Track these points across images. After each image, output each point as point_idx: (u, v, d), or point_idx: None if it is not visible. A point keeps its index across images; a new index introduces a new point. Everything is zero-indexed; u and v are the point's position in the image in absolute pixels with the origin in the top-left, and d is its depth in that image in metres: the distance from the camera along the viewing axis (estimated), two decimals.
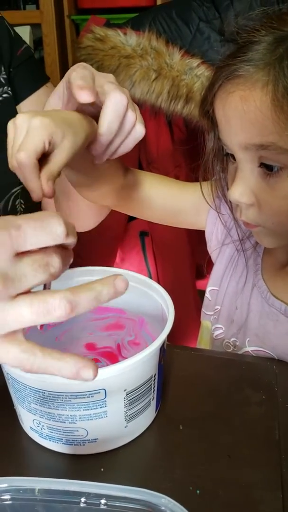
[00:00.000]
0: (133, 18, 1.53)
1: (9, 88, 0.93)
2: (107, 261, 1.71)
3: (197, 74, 1.41)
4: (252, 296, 0.82)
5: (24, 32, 2.34)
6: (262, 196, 0.66)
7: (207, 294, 0.92)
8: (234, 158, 0.68)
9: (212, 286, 0.91)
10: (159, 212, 0.92)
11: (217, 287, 0.89)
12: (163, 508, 0.39)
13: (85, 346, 0.68)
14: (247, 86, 0.61)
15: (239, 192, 0.67)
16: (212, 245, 0.91)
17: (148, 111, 1.49)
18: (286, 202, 0.65)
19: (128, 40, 1.44)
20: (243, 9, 1.41)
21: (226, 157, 0.72)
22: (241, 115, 0.62)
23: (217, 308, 0.89)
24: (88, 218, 0.96)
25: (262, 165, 0.64)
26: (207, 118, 0.70)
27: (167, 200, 0.91)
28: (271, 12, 0.65)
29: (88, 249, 1.63)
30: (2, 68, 0.93)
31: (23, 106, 0.95)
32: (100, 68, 1.45)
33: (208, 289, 0.92)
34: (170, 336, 0.93)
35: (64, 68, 2.70)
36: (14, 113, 0.92)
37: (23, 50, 0.97)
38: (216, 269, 0.91)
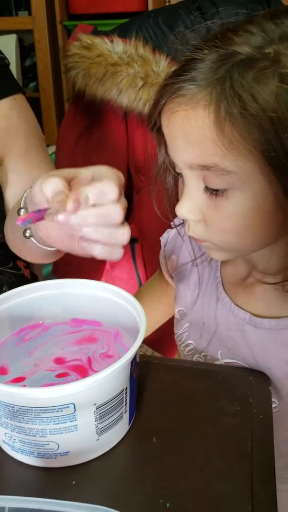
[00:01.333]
0: (120, 25, 1.53)
1: None
2: (97, 268, 1.71)
3: None
4: (217, 309, 0.83)
5: (10, 40, 2.34)
6: (208, 214, 0.66)
7: (176, 315, 0.94)
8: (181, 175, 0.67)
9: (178, 307, 0.92)
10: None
11: (183, 308, 0.91)
12: None
13: (54, 361, 0.68)
14: (190, 106, 0.60)
15: (186, 209, 0.66)
16: (171, 274, 0.97)
17: (135, 119, 1.49)
18: (230, 221, 0.65)
19: (115, 47, 1.44)
20: (228, 16, 1.41)
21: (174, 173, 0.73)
22: (185, 135, 0.62)
23: (186, 326, 0.90)
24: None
25: (206, 187, 0.64)
26: (156, 132, 0.70)
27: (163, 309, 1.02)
28: (217, 29, 0.64)
29: (76, 256, 1.63)
30: None
31: None
32: (86, 75, 1.45)
33: (176, 310, 0.93)
34: (156, 345, 0.93)
35: (56, 74, 2.71)
36: None
37: None
38: (177, 291, 0.93)
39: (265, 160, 0.59)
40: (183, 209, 0.67)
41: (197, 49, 0.61)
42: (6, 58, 1.01)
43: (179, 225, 0.91)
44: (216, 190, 0.63)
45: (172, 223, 0.92)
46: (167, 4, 2.59)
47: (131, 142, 1.55)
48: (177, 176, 0.71)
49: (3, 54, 1.01)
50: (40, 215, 0.59)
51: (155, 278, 1.04)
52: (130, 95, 1.44)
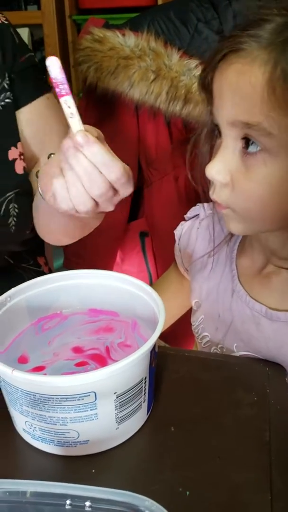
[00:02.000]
0: (131, 19, 1.53)
1: (11, 94, 0.94)
2: (107, 261, 1.71)
3: (196, 75, 1.41)
4: (233, 301, 0.83)
5: (23, 34, 2.35)
6: (237, 177, 0.67)
7: (193, 305, 0.94)
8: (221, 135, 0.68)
9: (195, 299, 0.93)
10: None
11: (198, 299, 0.91)
12: (146, 510, 0.40)
13: (72, 350, 0.69)
14: (246, 61, 0.62)
15: (216, 169, 0.67)
16: (187, 267, 0.97)
17: (147, 112, 1.49)
18: (258, 187, 0.66)
19: (127, 41, 1.44)
20: (241, 9, 1.41)
21: (214, 135, 0.73)
22: (235, 89, 0.63)
23: (202, 317, 0.90)
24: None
25: (245, 140, 0.64)
26: (205, 91, 0.71)
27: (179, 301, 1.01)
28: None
29: (88, 249, 1.64)
30: (6, 74, 0.94)
31: (21, 112, 0.96)
32: (99, 69, 1.45)
33: (193, 302, 0.94)
34: (169, 338, 0.94)
35: (65, 68, 2.72)
36: (13, 119, 0.94)
37: (27, 57, 0.99)
38: (193, 283, 0.93)
39: None
40: (214, 169, 0.67)
41: (267, 11, 0.62)
42: (34, 55, 1.02)
43: (192, 217, 0.92)
44: (251, 153, 0.64)
45: (185, 215, 0.93)
46: None
47: (142, 136, 1.55)
48: (217, 136, 0.71)
49: (32, 52, 1.01)
50: None
51: (171, 271, 1.04)
52: (141, 89, 1.44)
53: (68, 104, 0.65)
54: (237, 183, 0.67)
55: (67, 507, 0.41)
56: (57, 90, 0.65)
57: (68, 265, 1.65)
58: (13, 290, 0.69)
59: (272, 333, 0.78)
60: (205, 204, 0.92)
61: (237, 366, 0.75)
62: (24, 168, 0.94)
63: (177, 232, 0.98)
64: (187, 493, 0.56)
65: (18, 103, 0.96)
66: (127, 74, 1.44)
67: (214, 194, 0.71)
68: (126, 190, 0.71)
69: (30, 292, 0.71)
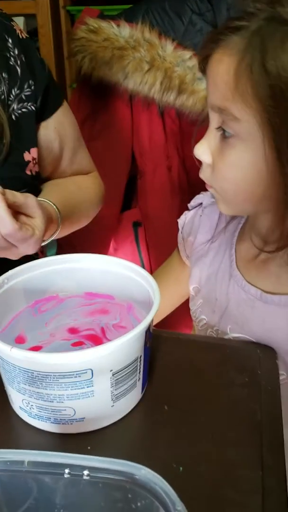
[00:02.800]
0: (126, 10, 1.54)
1: (31, 104, 0.99)
2: (101, 251, 1.72)
3: (190, 66, 1.42)
4: (230, 285, 0.85)
5: (18, 23, 2.35)
6: (216, 159, 0.72)
7: (191, 291, 0.97)
8: None
9: (193, 284, 0.95)
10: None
11: (197, 284, 0.93)
12: (142, 478, 0.41)
13: (68, 331, 0.70)
14: (223, 50, 0.66)
15: (202, 149, 0.73)
16: (188, 255, 0.99)
17: (141, 102, 1.50)
18: (230, 169, 0.71)
19: (121, 32, 1.45)
20: (235, 1, 1.42)
21: None
22: (213, 76, 0.69)
23: (200, 302, 0.92)
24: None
25: (220, 127, 0.70)
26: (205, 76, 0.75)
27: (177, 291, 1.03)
28: None
29: (81, 239, 1.64)
30: (28, 83, 0.99)
31: (48, 122, 1.04)
32: (93, 59, 1.46)
33: (191, 287, 0.96)
34: (162, 325, 0.95)
35: (59, 59, 2.71)
36: (33, 126, 1.00)
37: (48, 70, 1.05)
38: (193, 269, 0.95)
39: (266, 117, 0.64)
40: (200, 148, 0.73)
41: (252, 5, 0.66)
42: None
43: (196, 206, 0.94)
44: (226, 135, 0.69)
45: (189, 204, 0.96)
46: None
47: (136, 126, 1.56)
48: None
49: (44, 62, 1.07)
50: None
51: (172, 260, 1.06)
52: (136, 79, 1.45)
53: None
54: (215, 165, 0.73)
55: (66, 475, 0.43)
56: None
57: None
58: (10, 272, 0.70)
59: (266, 316, 0.80)
60: (208, 192, 0.94)
61: (229, 348, 0.77)
62: (31, 171, 1.01)
63: (181, 221, 1.01)
64: (181, 468, 0.58)
65: (44, 114, 1.03)
66: (122, 64, 1.45)
67: (201, 174, 0.77)
68: (24, 247, 0.80)
69: (26, 275, 0.72)
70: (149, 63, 1.43)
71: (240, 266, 0.85)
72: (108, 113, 1.58)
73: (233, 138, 0.68)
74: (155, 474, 0.41)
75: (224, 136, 0.70)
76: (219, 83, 0.67)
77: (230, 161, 0.70)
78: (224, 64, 0.66)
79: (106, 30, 1.46)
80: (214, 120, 0.71)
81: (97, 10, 1.59)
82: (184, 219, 0.99)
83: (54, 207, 0.93)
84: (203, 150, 0.73)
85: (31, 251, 0.82)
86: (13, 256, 0.83)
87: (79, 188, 1.12)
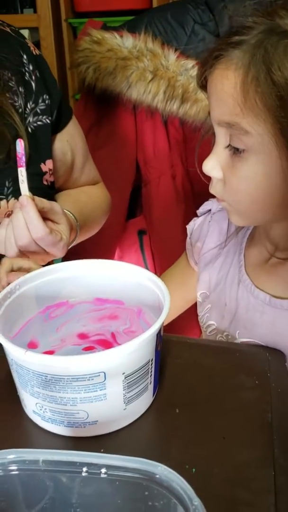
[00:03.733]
0: (129, 21, 1.56)
1: (46, 118, 1.02)
2: (106, 259, 1.73)
3: (192, 75, 1.44)
4: (239, 291, 0.86)
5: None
6: (227, 173, 0.72)
7: (198, 298, 0.97)
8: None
9: (201, 290, 0.96)
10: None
11: (206, 290, 0.94)
12: (159, 475, 0.42)
13: (78, 336, 0.71)
14: (226, 66, 0.66)
15: (211, 165, 0.73)
16: (196, 261, 1.00)
17: (145, 112, 1.52)
18: (243, 182, 0.71)
19: (125, 42, 1.47)
20: (236, 11, 1.44)
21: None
22: (217, 92, 0.69)
23: (208, 307, 0.93)
24: None
25: (230, 145, 0.70)
26: (204, 91, 0.75)
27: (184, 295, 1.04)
28: (267, 4, 0.69)
29: (86, 248, 1.65)
30: (43, 97, 1.02)
31: (62, 135, 1.09)
32: (97, 70, 1.48)
33: (198, 293, 0.97)
34: (169, 331, 0.96)
35: (62, 71, 2.74)
36: (49, 138, 1.04)
37: (59, 89, 1.08)
38: (201, 275, 0.96)
39: (278, 127, 0.64)
40: (208, 165, 0.73)
41: (248, 18, 0.67)
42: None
43: (205, 212, 0.95)
44: (237, 150, 0.69)
45: (198, 211, 0.97)
46: (170, 0, 2.61)
47: (140, 135, 1.58)
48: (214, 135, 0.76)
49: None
50: None
51: (179, 264, 1.07)
52: (139, 89, 1.47)
53: (22, 173, 0.83)
54: (227, 179, 0.73)
55: (84, 474, 0.43)
56: (18, 160, 0.83)
57: None
58: (22, 278, 0.71)
59: (275, 320, 0.80)
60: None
61: (239, 352, 0.78)
62: (47, 181, 1.04)
63: (189, 227, 1.02)
64: (193, 470, 0.58)
65: (58, 127, 1.07)
66: (125, 74, 1.46)
67: (211, 189, 0.77)
68: (54, 251, 0.85)
69: (38, 281, 0.73)
70: (152, 73, 1.45)
71: (249, 271, 0.86)
72: (113, 122, 1.59)
73: (244, 151, 0.68)
74: (172, 471, 0.42)
75: (234, 149, 0.70)
76: (226, 98, 0.67)
77: (243, 174, 0.70)
78: (229, 79, 0.66)
79: (109, 40, 1.48)
80: (221, 135, 0.71)
81: (100, 22, 1.61)
82: (193, 225, 1.00)
83: (72, 215, 0.96)
84: (212, 166, 0.73)
85: (59, 255, 0.86)
86: (42, 261, 0.86)
87: (90, 198, 1.14)
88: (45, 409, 0.61)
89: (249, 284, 0.84)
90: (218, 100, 0.69)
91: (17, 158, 0.84)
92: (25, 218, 0.81)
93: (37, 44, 2.67)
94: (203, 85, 0.74)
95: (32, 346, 0.69)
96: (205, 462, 0.60)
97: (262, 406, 0.67)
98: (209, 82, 0.70)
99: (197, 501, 0.39)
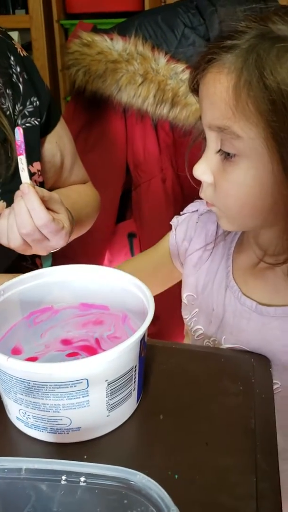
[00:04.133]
0: (119, 23, 1.56)
1: (34, 119, 1.03)
2: (96, 263, 1.71)
3: (182, 78, 1.44)
4: (226, 296, 0.86)
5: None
6: (218, 177, 0.72)
7: (184, 300, 0.96)
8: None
9: (187, 292, 0.95)
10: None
11: (193, 293, 0.94)
12: (137, 483, 0.42)
13: (61, 342, 0.71)
14: (218, 69, 0.67)
15: (201, 170, 0.73)
16: (181, 261, 0.98)
17: (135, 115, 1.52)
18: (234, 187, 0.71)
19: (115, 45, 1.47)
20: (227, 15, 1.44)
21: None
22: (209, 95, 0.68)
23: (196, 311, 0.93)
24: None
25: (221, 149, 0.70)
26: (196, 95, 0.75)
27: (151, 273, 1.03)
28: (258, 10, 0.69)
29: (76, 251, 1.65)
30: (31, 100, 1.03)
31: (51, 137, 1.09)
32: (87, 72, 1.48)
33: (184, 295, 0.96)
34: (156, 336, 0.96)
35: (53, 72, 2.74)
36: (38, 140, 1.05)
37: (47, 89, 1.08)
38: (187, 277, 0.95)
39: (270, 131, 0.64)
40: (199, 169, 0.73)
41: (241, 23, 0.67)
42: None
43: (191, 212, 0.94)
44: (228, 154, 0.69)
45: (182, 211, 0.98)
46: (162, 3, 2.62)
47: (130, 138, 1.58)
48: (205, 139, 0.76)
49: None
50: None
51: (156, 254, 1.05)
52: (129, 92, 1.47)
53: (22, 161, 0.84)
54: (218, 183, 0.72)
55: (63, 482, 0.43)
56: (18, 148, 0.84)
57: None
58: (6, 283, 0.71)
59: (262, 327, 0.80)
60: (203, 200, 0.95)
61: (223, 357, 0.78)
62: (36, 181, 1.05)
63: (173, 223, 1.00)
64: (176, 476, 0.59)
65: (48, 128, 1.08)
66: (115, 77, 1.47)
67: (202, 193, 0.76)
68: (56, 240, 0.86)
69: (23, 286, 0.73)
70: (143, 76, 1.45)
71: (237, 277, 0.85)
72: (103, 125, 1.59)
73: (235, 156, 0.68)
74: (150, 479, 0.42)
75: (224, 154, 0.70)
76: (218, 102, 0.67)
77: (233, 179, 0.70)
78: (221, 83, 0.66)
79: (99, 43, 1.48)
80: (212, 139, 0.71)
81: (90, 24, 1.61)
82: (177, 222, 0.99)
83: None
84: (203, 170, 0.73)
85: (61, 244, 0.88)
86: (44, 250, 0.88)
87: (79, 195, 1.14)
88: (28, 415, 0.61)
89: (236, 291, 0.84)
90: (210, 104, 0.69)
91: (17, 146, 0.84)
92: (27, 206, 0.82)
93: (29, 45, 2.67)
94: (194, 89, 0.74)
95: (16, 352, 0.69)
96: (187, 468, 0.60)
97: (245, 412, 0.68)
98: (201, 85, 0.70)
99: (174, 509, 0.40)
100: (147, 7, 2.46)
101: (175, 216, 1.00)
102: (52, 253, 1.64)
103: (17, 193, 0.84)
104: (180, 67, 1.45)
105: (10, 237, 0.85)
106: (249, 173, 0.69)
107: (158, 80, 1.45)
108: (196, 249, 0.93)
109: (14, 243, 0.85)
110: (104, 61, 1.46)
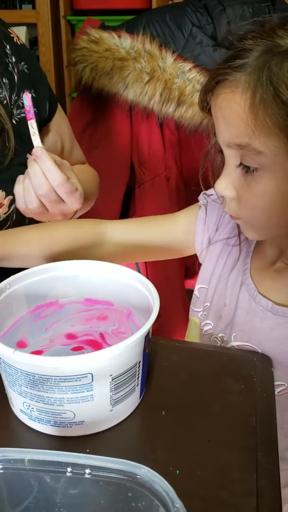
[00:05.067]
0: (127, 21, 1.57)
1: (37, 107, 1.02)
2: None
3: (189, 77, 1.45)
4: (240, 293, 0.86)
5: (20, 33, 2.38)
6: (241, 192, 0.72)
7: (195, 292, 0.96)
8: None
9: (200, 284, 0.94)
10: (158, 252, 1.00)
11: (206, 285, 0.93)
12: (142, 477, 0.43)
13: (65, 336, 0.72)
14: (230, 90, 0.67)
15: (224, 186, 0.73)
16: (203, 248, 0.95)
17: (140, 113, 1.52)
18: (259, 200, 0.71)
19: (123, 42, 1.47)
20: (235, 15, 1.45)
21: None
22: (224, 116, 0.68)
23: (207, 305, 0.92)
24: None
25: (242, 164, 0.70)
26: (208, 115, 0.75)
27: (160, 238, 0.98)
28: (266, 22, 0.69)
29: None
30: (32, 91, 1.02)
31: (51, 126, 1.10)
32: (94, 69, 1.48)
33: (197, 287, 0.95)
34: (158, 333, 0.97)
35: (59, 68, 2.74)
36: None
37: (44, 75, 1.08)
38: (204, 268, 0.94)
39: None
40: (221, 186, 0.73)
41: (247, 40, 0.67)
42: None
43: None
44: (249, 169, 0.69)
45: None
46: (170, 1, 2.62)
47: (136, 136, 1.58)
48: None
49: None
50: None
51: (169, 228, 0.99)
52: (136, 90, 1.48)
53: (33, 126, 0.87)
54: (242, 197, 0.72)
55: (68, 474, 0.44)
56: (27, 114, 0.87)
57: None
58: (12, 277, 0.71)
59: (276, 327, 0.81)
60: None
61: (226, 356, 0.78)
62: None
63: (202, 200, 0.96)
64: (177, 471, 0.59)
65: (48, 118, 1.08)
66: (122, 75, 1.47)
67: (226, 208, 0.77)
68: (71, 202, 0.87)
69: (28, 280, 0.73)
70: (149, 74, 1.45)
71: (254, 275, 0.86)
72: (108, 123, 1.60)
73: (257, 170, 0.68)
74: (155, 473, 0.43)
75: (246, 169, 0.70)
76: (235, 122, 0.67)
77: (258, 192, 0.70)
78: (237, 102, 0.66)
79: (107, 40, 1.49)
80: (231, 156, 0.71)
81: (98, 21, 1.61)
82: (206, 201, 0.94)
83: None
84: (225, 186, 0.73)
85: (77, 205, 0.89)
86: (60, 214, 0.90)
87: (78, 171, 1.13)
88: (32, 408, 0.62)
89: (252, 289, 0.84)
90: (227, 124, 0.69)
91: (26, 112, 0.86)
92: (42, 168, 0.84)
93: (35, 41, 2.67)
94: (205, 108, 0.74)
95: (21, 345, 0.69)
96: (189, 464, 0.60)
97: (247, 410, 0.68)
98: (214, 107, 0.70)
99: (178, 503, 0.40)
100: (154, 5, 2.46)
101: (202, 193, 0.95)
102: None
103: (30, 158, 0.86)
104: (187, 66, 1.45)
105: (27, 200, 0.87)
106: (274, 185, 0.69)
107: (164, 79, 1.45)
108: (220, 240, 0.92)
109: (32, 205, 0.87)
110: (111, 58, 1.46)
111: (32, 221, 1.06)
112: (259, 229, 0.77)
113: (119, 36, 1.47)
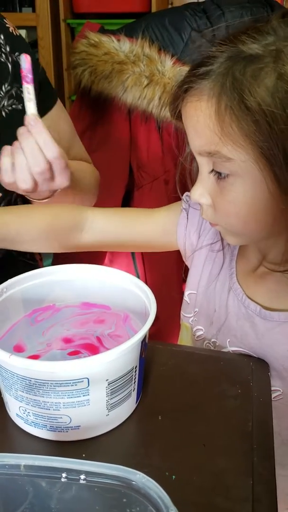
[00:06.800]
0: (126, 25, 1.57)
1: (22, 104, 0.99)
2: (96, 263, 1.73)
3: None
4: (229, 298, 0.86)
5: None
6: (216, 198, 0.72)
7: (185, 298, 0.96)
8: None
9: (190, 290, 0.95)
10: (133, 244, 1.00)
11: (194, 291, 0.93)
12: (137, 483, 0.42)
13: (62, 340, 0.72)
14: (196, 98, 0.66)
15: (198, 192, 0.73)
16: (187, 255, 0.96)
17: (139, 116, 1.52)
18: (233, 205, 0.71)
19: (122, 46, 1.48)
20: (234, 19, 1.45)
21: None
22: (193, 124, 0.68)
23: (197, 310, 0.93)
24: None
25: (214, 170, 0.70)
26: (179, 122, 0.75)
27: (137, 230, 0.98)
28: (265, 15, 0.69)
29: (77, 253, 1.66)
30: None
31: (46, 119, 1.05)
32: (93, 73, 1.49)
33: (186, 293, 0.96)
34: (155, 336, 0.97)
35: (58, 71, 2.74)
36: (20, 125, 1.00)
37: (42, 69, 1.07)
38: (192, 273, 0.95)
39: (259, 151, 0.64)
40: (196, 193, 0.73)
41: (213, 47, 0.66)
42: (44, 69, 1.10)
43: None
44: (221, 175, 0.69)
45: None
46: (169, 5, 2.63)
47: (134, 140, 1.58)
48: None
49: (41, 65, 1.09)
50: None
51: (159, 225, 0.98)
52: (135, 93, 1.48)
53: (29, 91, 0.83)
54: (217, 204, 0.73)
55: (63, 479, 0.44)
56: (23, 78, 0.82)
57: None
58: (9, 281, 0.71)
59: (266, 332, 0.81)
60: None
61: (222, 360, 0.78)
62: None
63: (184, 203, 0.95)
64: (173, 477, 0.59)
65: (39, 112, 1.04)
66: (121, 78, 1.47)
67: (203, 214, 0.77)
68: (61, 179, 0.85)
69: (25, 284, 0.73)
70: (148, 78, 1.45)
71: (240, 279, 0.86)
72: (107, 126, 1.60)
73: (229, 177, 0.68)
74: (150, 479, 0.43)
75: (220, 176, 0.70)
76: (203, 130, 0.67)
77: (231, 198, 0.70)
78: (202, 111, 0.66)
79: (106, 44, 1.49)
80: (204, 164, 0.71)
81: (97, 24, 1.61)
82: (187, 206, 0.94)
83: None
84: (200, 194, 0.73)
85: (65, 183, 0.87)
86: (48, 191, 0.88)
87: (77, 164, 1.12)
88: (29, 412, 0.62)
89: (240, 293, 0.84)
90: (196, 132, 0.69)
91: (22, 75, 0.82)
92: (37, 140, 0.81)
93: (35, 44, 2.68)
94: (177, 116, 0.74)
95: (18, 349, 0.69)
96: (184, 470, 0.60)
97: (243, 415, 0.68)
98: (184, 115, 0.70)
99: (173, 510, 0.40)
100: (154, 9, 2.47)
101: (185, 194, 0.94)
102: (53, 253, 1.65)
103: (21, 129, 0.82)
104: (186, 70, 1.45)
105: (20, 177, 0.83)
106: (245, 191, 0.69)
107: (163, 82, 1.45)
108: (204, 246, 0.92)
109: (26, 184, 0.83)
110: (110, 62, 1.46)
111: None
112: (238, 234, 0.77)
113: (118, 40, 1.48)
